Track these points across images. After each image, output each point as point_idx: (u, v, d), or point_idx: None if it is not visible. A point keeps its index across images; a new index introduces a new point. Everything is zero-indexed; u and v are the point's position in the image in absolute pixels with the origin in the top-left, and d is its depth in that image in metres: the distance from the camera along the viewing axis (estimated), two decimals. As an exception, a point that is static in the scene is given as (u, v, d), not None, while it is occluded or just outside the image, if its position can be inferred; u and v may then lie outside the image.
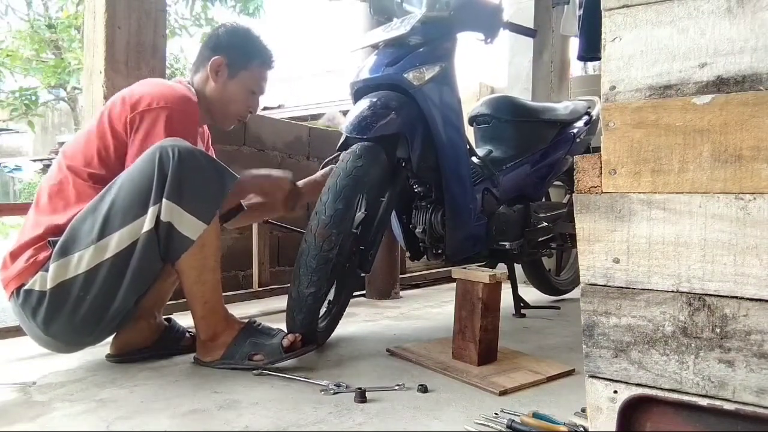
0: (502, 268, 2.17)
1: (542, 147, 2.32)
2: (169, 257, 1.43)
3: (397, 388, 1.35)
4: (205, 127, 1.87)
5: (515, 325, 2.15)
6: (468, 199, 1.94)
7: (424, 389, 1.34)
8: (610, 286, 0.85)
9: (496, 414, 1.17)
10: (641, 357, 0.82)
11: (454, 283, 1.61)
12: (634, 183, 0.83)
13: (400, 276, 2.92)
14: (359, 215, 1.76)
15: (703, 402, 0.77)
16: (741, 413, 0.74)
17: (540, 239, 2.38)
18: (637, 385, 0.82)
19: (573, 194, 0.89)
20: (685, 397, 0.79)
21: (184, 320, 1.70)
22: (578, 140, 2.43)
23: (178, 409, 1.22)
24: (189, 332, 1.68)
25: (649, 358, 0.81)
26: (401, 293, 2.84)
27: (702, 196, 0.78)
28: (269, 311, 2.32)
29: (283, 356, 1.48)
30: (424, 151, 1.84)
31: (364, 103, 1.75)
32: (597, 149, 0.96)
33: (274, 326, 1.59)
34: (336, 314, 1.83)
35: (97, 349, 1.63)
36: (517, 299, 2.32)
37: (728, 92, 0.77)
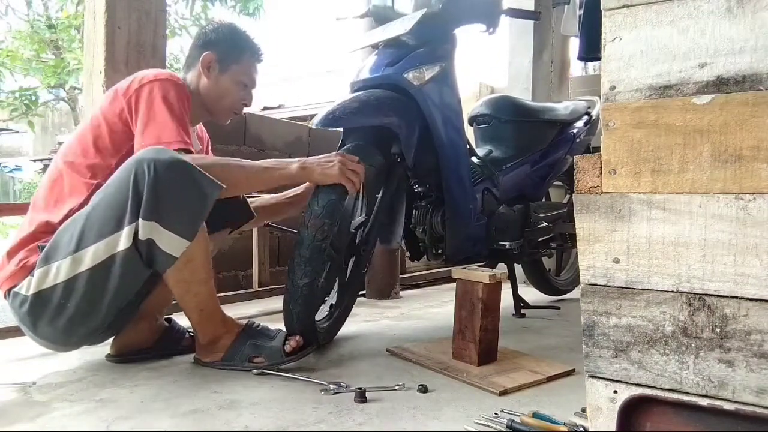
0: (502, 268, 2.17)
1: (542, 147, 2.31)
2: (156, 270, 1.41)
3: (397, 388, 1.35)
4: (204, 130, 1.87)
5: (515, 325, 2.15)
6: (468, 199, 1.94)
7: (424, 389, 1.34)
8: (610, 286, 0.85)
9: (496, 414, 1.17)
10: (641, 357, 0.82)
11: (454, 283, 1.61)
12: (634, 183, 0.83)
13: (400, 276, 2.92)
14: (358, 219, 1.75)
15: (703, 402, 0.77)
16: (741, 413, 0.74)
17: (540, 239, 2.38)
18: (637, 385, 0.82)
19: (573, 194, 0.89)
20: (685, 397, 0.79)
21: (185, 320, 1.70)
22: (578, 140, 2.43)
23: (178, 409, 1.22)
24: (189, 333, 1.68)
25: (649, 358, 0.81)
26: (401, 293, 2.84)
27: (702, 196, 0.78)
28: (269, 311, 2.32)
29: (284, 359, 1.48)
30: (424, 151, 1.83)
31: (343, 99, 1.71)
32: (597, 149, 0.96)
33: (274, 327, 1.59)
34: (339, 317, 1.82)
35: (97, 349, 1.63)
36: (517, 299, 2.32)
37: (728, 92, 0.77)
